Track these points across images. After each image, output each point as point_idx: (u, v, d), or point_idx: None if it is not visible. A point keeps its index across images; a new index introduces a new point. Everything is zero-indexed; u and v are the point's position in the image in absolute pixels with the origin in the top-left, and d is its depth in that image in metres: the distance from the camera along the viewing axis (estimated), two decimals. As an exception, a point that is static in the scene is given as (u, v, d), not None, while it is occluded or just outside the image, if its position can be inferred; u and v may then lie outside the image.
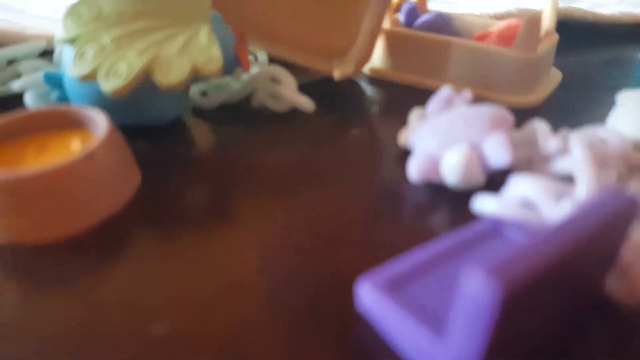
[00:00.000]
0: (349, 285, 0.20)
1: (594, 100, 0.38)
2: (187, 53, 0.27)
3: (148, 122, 0.30)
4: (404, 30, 0.40)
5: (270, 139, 0.32)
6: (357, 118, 0.35)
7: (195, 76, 0.27)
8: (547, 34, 0.38)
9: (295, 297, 0.20)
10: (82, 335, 0.18)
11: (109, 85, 0.26)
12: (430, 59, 0.39)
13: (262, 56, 0.39)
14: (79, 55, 0.27)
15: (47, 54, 0.37)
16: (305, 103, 0.33)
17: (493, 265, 0.13)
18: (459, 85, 0.37)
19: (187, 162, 0.29)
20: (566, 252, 0.15)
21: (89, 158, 0.23)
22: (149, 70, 0.26)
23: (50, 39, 0.37)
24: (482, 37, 0.39)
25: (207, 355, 0.17)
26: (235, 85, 0.36)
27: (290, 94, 0.34)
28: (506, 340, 0.15)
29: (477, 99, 0.37)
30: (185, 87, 0.28)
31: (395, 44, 0.41)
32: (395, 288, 0.18)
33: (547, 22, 0.39)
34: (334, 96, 0.38)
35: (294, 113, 0.34)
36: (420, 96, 0.37)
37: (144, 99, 0.29)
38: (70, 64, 0.27)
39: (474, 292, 0.13)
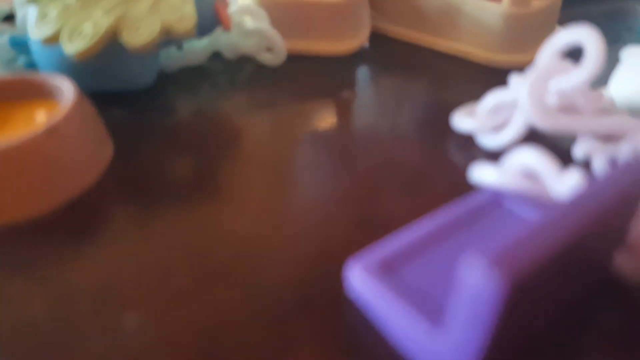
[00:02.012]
0: (339, 267, 0.18)
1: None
2: (158, 11, 0.25)
3: (121, 87, 0.28)
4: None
5: (252, 103, 0.30)
6: (347, 78, 0.33)
7: (167, 36, 0.25)
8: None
9: (280, 281, 0.18)
10: (47, 327, 0.16)
11: (72, 47, 0.24)
12: (413, 11, 0.37)
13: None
14: (42, 16, 0.25)
15: (11, 18, 0.34)
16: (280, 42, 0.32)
17: (496, 253, 0.12)
18: (442, 40, 0.36)
19: (164, 131, 0.27)
20: (577, 234, 0.13)
21: (52, 132, 0.21)
22: (116, 30, 0.24)
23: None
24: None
25: (182, 349, 0.16)
26: (197, 44, 0.33)
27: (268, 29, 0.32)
28: (510, 329, 0.13)
29: (464, 56, 0.35)
30: (155, 48, 0.25)
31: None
32: (388, 270, 0.17)
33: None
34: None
35: (274, 75, 0.32)
36: (411, 51, 0.35)
37: (116, 62, 0.26)
38: (33, 26, 0.25)
39: (476, 283, 0.12)
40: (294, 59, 0.34)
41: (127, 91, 0.29)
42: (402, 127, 0.28)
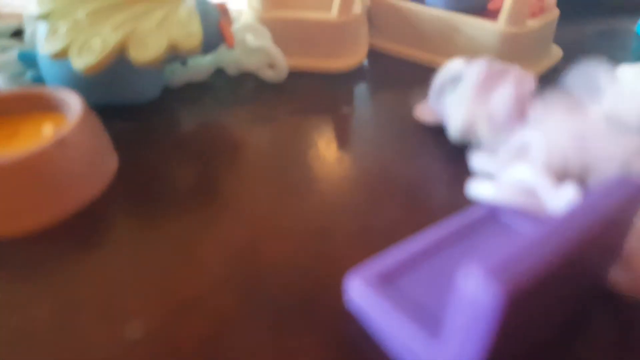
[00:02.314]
0: (339, 279, 0.18)
1: (592, 75, 0.37)
2: (165, 28, 0.26)
3: (126, 101, 0.29)
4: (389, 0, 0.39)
5: (254, 118, 0.30)
6: (346, 94, 0.34)
7: (174, 52, 0.26)
8: (546, 8, 0.37)
9: (281, 293, 0.18)
10: (51, 336, 0.17)
11: (81, 62, 0.24)
12: (411, 29, 0.38)
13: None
14: (52, 32, 0.25)
15: (20, 33, 0.35)
16: (281, 58, 0.33)
17: (494, 264, 0.12)
18: (440, 58, 0.36)
19: (168, 144, 0.27)
20: (573, 246, 0.14)
21: (60, 144, 0.21)
22: (124, 46, 0.25)
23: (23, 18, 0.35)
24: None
25: (185, 357, 0.16)
26: (201, 61, 0.34)
27: (269, 45, 0.33)
28: (507, 341, 0.14)
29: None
30: (161, 64, 0.26)
31: (380, 13, 0.40)
32: (386, 283, 0.17)
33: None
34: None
35: (276, 91, 0.33)
36: (409, 69, 0.35)
37: (123, 76, 0.27)
38: (43, 41, 0.25)
39: (473, 294, 0.12)
40: (295, 76, 0.34)
41: (132, 105, 0.29)
42: (401, 142, 0.28)
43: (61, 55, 0.25)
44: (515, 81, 0.25)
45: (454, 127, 0.25)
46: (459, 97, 0.26)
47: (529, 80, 0.25)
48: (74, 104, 0.24)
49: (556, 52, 0.39)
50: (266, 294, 0.18)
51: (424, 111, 0.30)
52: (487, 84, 0.26)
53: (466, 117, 0.25)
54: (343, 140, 0.29)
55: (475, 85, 0.25)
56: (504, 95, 0.25)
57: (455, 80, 0.28)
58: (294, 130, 0.29)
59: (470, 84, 0.26)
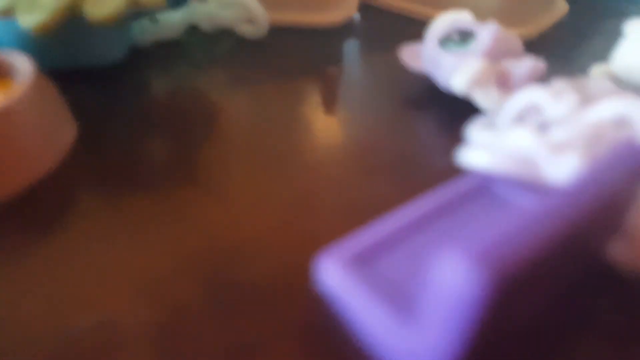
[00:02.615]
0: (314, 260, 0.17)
1: (599, 30, 0.35)
2: (123, -21, 0.23)
3: (87, 63, 0.26)
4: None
5: (231, 81, 0.28)
6: (334, 52, 0.31)
7: (135, 8, 0.23)
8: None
9: (251, 276, 0.17)
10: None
11: (30, 19, 0.22)
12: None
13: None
14: (-4, -14, 0.23)
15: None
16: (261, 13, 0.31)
17: (478, 246, 0.10)
18: (437, 12, 0.34)
19: (135, 111, 0.25)
20: (574, 222, 0.12)
21: (5, 114, 0.19)
22: (78, 1, 0.22)
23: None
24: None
25: (135, 350, 0.14)
26: (173, 17, 0.31)
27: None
28: (492, 328, 0.12)
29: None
30: (124, 21, 0.24)
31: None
32: (362, 263, 0.15)
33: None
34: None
35: (255, 49, 0.31)
36: (404, 25, 0.33)
37: (80, 36, 0.25)
38: (-13, -3, 0.23)
39: (452, 282, 0.10)
40: (277, 32, 0.32)
41: (94, 67, 0.27)
42: (393, 107, 0.26)
43: (6, 13, 0.22)
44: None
45: (461, 79, 0.23)
46: (471, 51, 0.24)
47: (541, 62, 0.24)
48: (24, 68, 0.21)
49: (561, 6, 0.37)
50: (232, 278, 0.17)
51: (412, 56, 0.28)
52: (499, 48, 0.24)
53: (478, 71, 0.23)
54: (329, 105, 0.26)
55: (489, 44, 0.24)
56: (523, 62, 0.24)
57: (465, 33, 0.26)
58: (275, 93, 0.27)
59: (484, 42, 0.24)
